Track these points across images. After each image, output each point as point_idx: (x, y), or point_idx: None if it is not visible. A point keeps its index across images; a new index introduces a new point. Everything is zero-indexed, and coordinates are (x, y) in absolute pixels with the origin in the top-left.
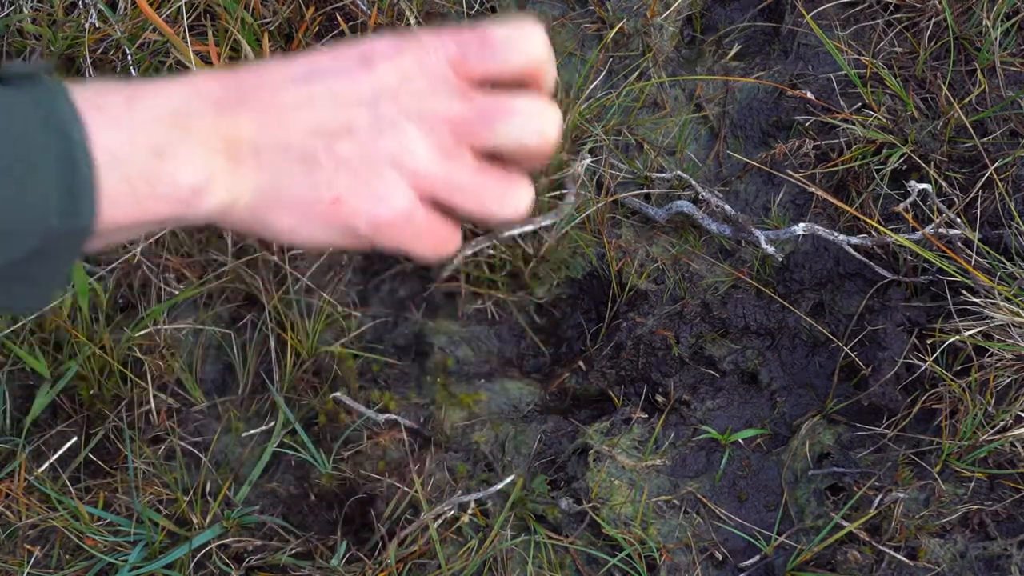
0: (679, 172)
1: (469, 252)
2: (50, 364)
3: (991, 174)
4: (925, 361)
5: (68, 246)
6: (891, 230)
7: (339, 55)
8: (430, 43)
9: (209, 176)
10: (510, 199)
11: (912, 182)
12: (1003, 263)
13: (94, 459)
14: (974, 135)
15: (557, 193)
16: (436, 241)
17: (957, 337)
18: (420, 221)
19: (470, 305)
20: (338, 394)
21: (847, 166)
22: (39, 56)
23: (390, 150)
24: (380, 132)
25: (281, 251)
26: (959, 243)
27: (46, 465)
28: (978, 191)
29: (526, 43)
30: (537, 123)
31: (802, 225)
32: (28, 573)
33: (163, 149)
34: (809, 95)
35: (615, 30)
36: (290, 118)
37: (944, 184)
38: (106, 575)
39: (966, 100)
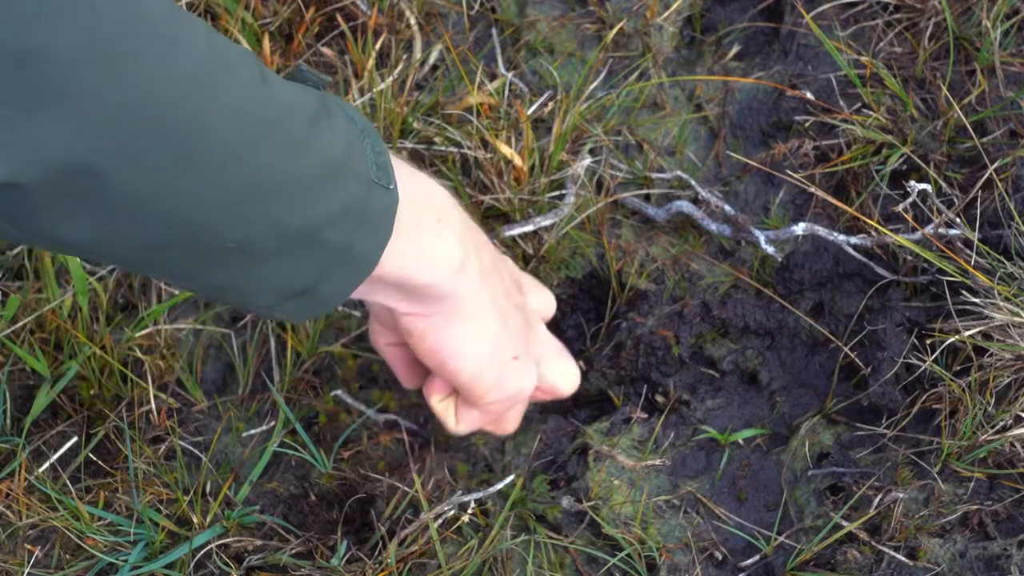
0: (679, 172)
1: None
2: (50, 364)
3: (991, 174)
4: (925, 361)
5: (383, 208)
6: (891, 230)
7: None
8: (524, 279)
9: (466, 260)
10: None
11: (912, 182)
12: (1003, 263)
13: (94, 459)
14: (974, 135)
15: (557, 193)
16: (512, 423)
17: (957, 337)
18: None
19: None
20: (339, 392)
21: (847, 166)
22: None
23: (535, 344)
24: (531, 327)
25: None
26: (959, 243)
27: (46, 465)
28: (978, 191)
29: (553, 309)
30: (574, 377)
31: (802, 225)
32: (28, 573)
33: (442, 216)
34: (809, 95)
35: (615, 30)
36: (498, 272)
37: (944, 184)
38: (106, 575)
39: (966, 100)
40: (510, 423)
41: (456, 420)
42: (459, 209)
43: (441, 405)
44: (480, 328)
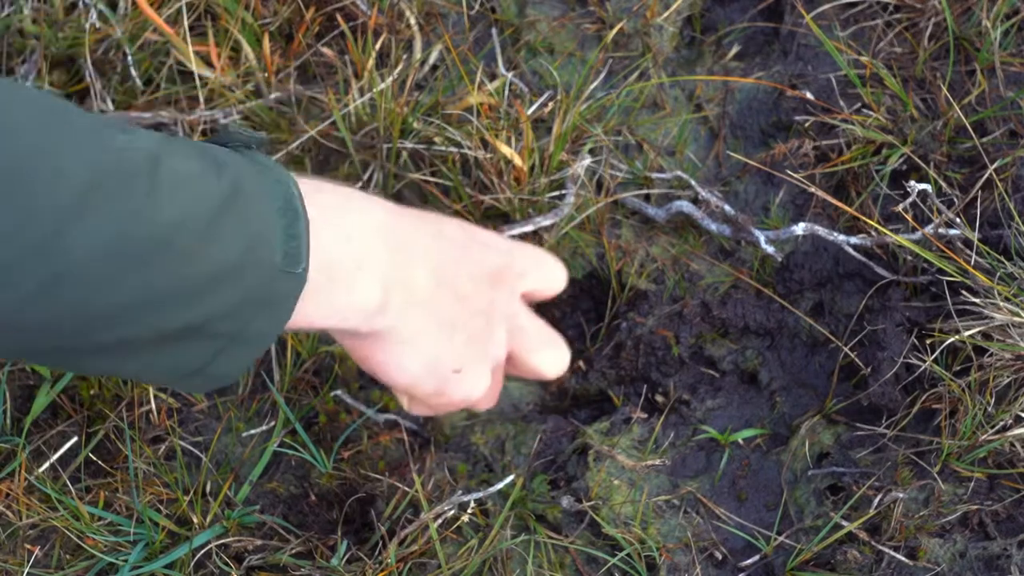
0: (679, 172)
1: None
2: None
3: (991, 174)
4: (925, 361)
5: (287, 292)
6: (891, 230)
7: (460, 228)
8: (519, 259)
9: (389, 299)
10: (491, 405)
11: (912, 182)
12: (1003, 263)
13: (94, 459)
14: (974, 135)
15: (557, 193)
16: (483, 405)
17: (957, 337)
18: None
19: None
20: (339, 392)
21: (847, 166)
22: (39, 57)
23: (496, 343)
24: (492, 323)
25: None
26: (959, 243)
27: (46, 465)
28: (978, 191)
29: (559, 283)
30: (560, 362)
31: (802, 225)
32: (28, 573)
33: (363, 263)
34: (809, 95)
35: (615, 30)
36: (451, 282)
37: (944, 184)
38: (106, 575)
39: (966, 100)
40: (479, 407)
41: (408, 405)
42: (394, 233)
43: (396, 392)
44: (411, 349)
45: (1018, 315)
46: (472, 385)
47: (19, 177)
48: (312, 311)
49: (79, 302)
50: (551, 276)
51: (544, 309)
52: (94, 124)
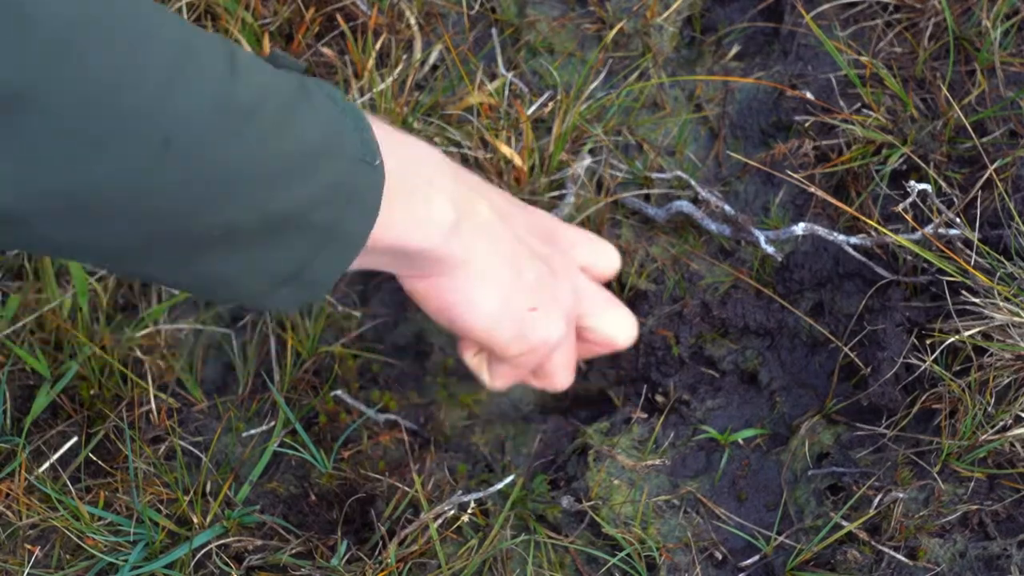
0: (679, 172)
1: None
2: (50, 364)
3: (991, 174)
4: (925, 361)
5: (369, 186)
6: (891, 230)
7: (511, 198)
8: (569, 232)
9: (461, 222)
10: (571, 378)
11: (912, 182)
12: (1003, 263)
13: (94, 459)
14: (974, 135)
15: (557, 193)
16: (561, 376)
17: (957, 337)
18: (558, 354)
19: None
20: (339, 392)
21: (847, 166)
22: None
23: (565, 293)
24: (558, 271)
25: None
26: (959, 243)
27: (46, 465)
28: (978, 191)
29: (614, 264)
30: (629, 327)
31: (802, 225)
32: (28, 573)
33: (434, 181)
34: (809, 95)
35: (615, 30)
36: (510, 222)
37: (944, 184)
38: (106, 575)
39: (966, 100)
40: (557, 377)
41: (490, 376)
42: (454, 168)
43: (474, 361)
44: (486, 283)
45: (1018, 315)
46: (550, 326)
47: (121, 33)
48: (398, 218)
49: (189, 168)
50: (602, 252)
51: None
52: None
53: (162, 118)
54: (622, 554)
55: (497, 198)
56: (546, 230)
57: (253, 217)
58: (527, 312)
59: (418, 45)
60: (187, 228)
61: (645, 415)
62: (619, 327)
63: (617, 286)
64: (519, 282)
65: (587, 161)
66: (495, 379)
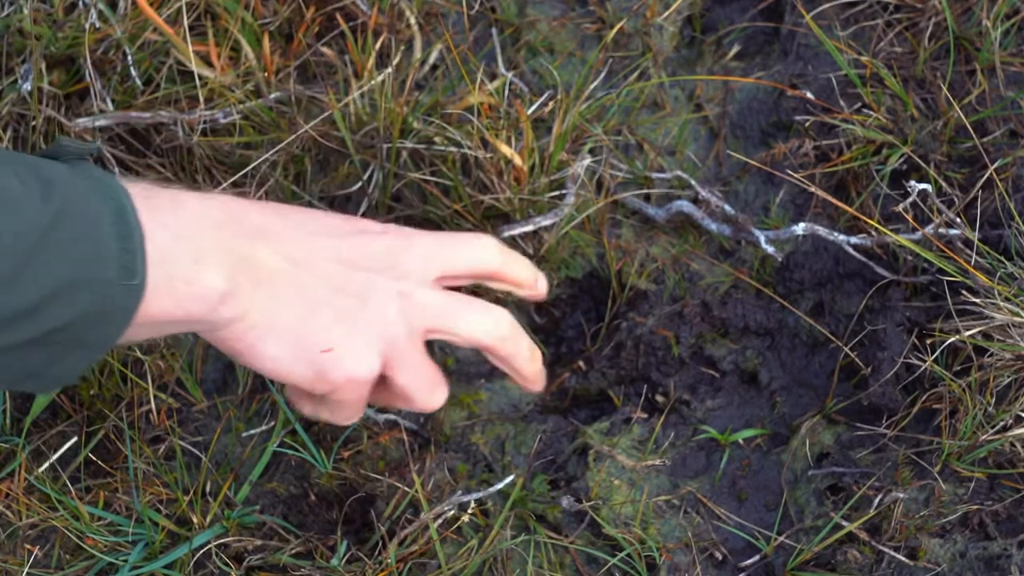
0: (679, 172)
1: None
2: None
3: (991, 174)
4: (925, 361)
5: (123, 305)
6: (891, 230)
7: (345, 220)
8: (419, 243)
9: (235, 287)
10: (437, 397)
11: (912, 182)
12: (1003, 263)
13: (94, 459)
14: (974, 135)
15: (557, 193)
16: (418, 399)
17: (957, 337)
18: (370, 388)
19: None
20: None
21: (847, 166)
22: (39, 56)
23: (378, 319)
24: (370, 302)
25: None
26: (959, 243)
27: (46, 465)
28: (978, 191)
29: (484, 257)
30: (489, 323)
31: (802, 225)
32: (28, 573)
33: (201, 256)
34: (809, 95)
35: (615, 30)
36: (306, 261)
37: (944, 184)
38: (106, 575)
39: (966, 100)
40: (417, 398)
41: (330, 415)
42: (239, 219)
43: (308, 408)
44: (270, 332)
45: (1018, 315)
46: (352, 363)
47: None
48: (155, 310)
49: None
50: (468, 251)
51: (545, 309)
52: None
53: None
54: (622, 554)
55: (298, 239)
56: (376, 255)
57: None
58: (320, 354)
59: (418, 45)
60: None
61: (645, 415)
62: (477, 327)
63: (617, 286)
64: (311, 323)
65: (587, 161)
66: (336, 417)
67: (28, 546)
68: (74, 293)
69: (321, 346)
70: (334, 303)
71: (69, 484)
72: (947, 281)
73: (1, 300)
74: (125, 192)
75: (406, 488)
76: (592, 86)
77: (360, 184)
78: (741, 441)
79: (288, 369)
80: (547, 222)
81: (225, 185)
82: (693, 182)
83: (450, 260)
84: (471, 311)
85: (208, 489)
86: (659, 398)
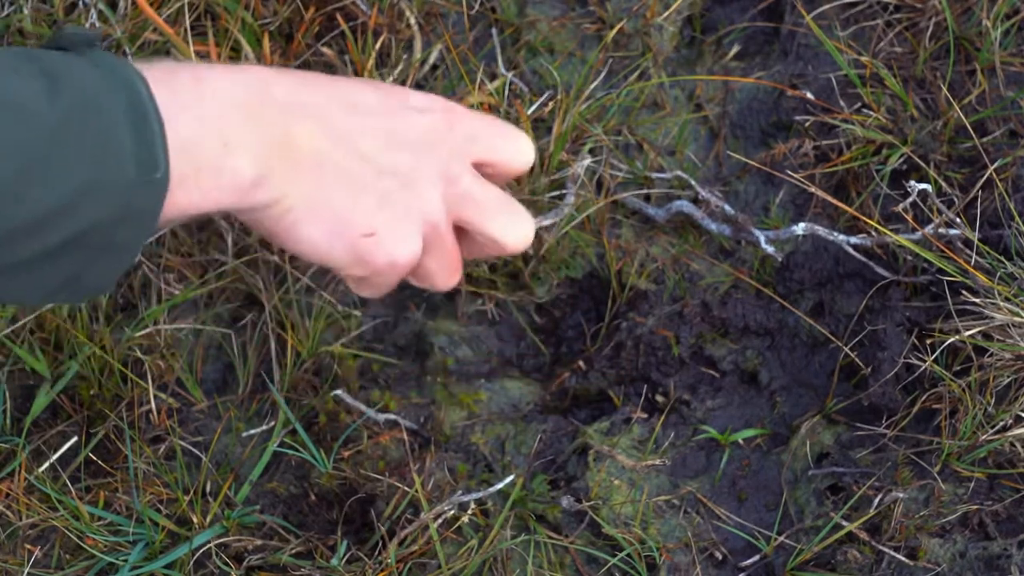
0: (679, 172)
1: None
2: (50, 364)
3: (991, 174)
4: (925, 361)
5: (147, 203)
6: (891, 230)
7: (386, 93)
8: (464, 123)
9: (268, 171)
10: (455, 279)
11: (912, 182)
12: (1003, 263)
13: (94, 459)
14: (974, 135)
15: (557, 193)
16: (438, 280)
17: (957, 337)
18: (431, 260)
19: (470, 305)
20: (339, 392)
21: (847, 166)
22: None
23: (421, 203)
24: (414, 184)
25: (281, 251)
26: (959, 243)
27: (46, 465)
28: (978, 191)
29: (522, 158)
30: (520, 232)
31: (802, 225)
32: (28, 573)
33: (229, 140)
34: (809, 95)
35: (615, 30)
36: (347, 139)
37: (944, 184)
38: (106, 575)
39: (966, 100)
40: (435, 280)
41: (354, 287)
42: (265, 103)
43: (334, 272)
44: (308, 216)
45: (1018, 315)
46: (394, 248)
47: None
48: (183, 200)
49: None
50: (510, 144)
51: (545, 309)
52: None
53: None
54: (622, 554)
55: (338, 115)
56: (422, 133)
57: (14, 259)
58: (361, 238)
59: (418, 45)
60: None
61: (645, 415)
62: (507, 231)
63: (617, 286)
64: (351, 206)
65: (587, 161)
66: (360, 291)
67: (28, 546)
68: (93, 195)
69: (363, 230)
70: (377, 185)
71: (69, 484)
72: (947, 281)
73: (12, 210)
74: (140, 77)
75: (406, 488)
76: (592, 86)
77: None
78: (741, 441)
79: (327, 253)
80: (547, 222)
81: None
82: (693, 182)
83: (492, 149)
84: (508, 214)
85: (208, 489)
86: (659, 398)
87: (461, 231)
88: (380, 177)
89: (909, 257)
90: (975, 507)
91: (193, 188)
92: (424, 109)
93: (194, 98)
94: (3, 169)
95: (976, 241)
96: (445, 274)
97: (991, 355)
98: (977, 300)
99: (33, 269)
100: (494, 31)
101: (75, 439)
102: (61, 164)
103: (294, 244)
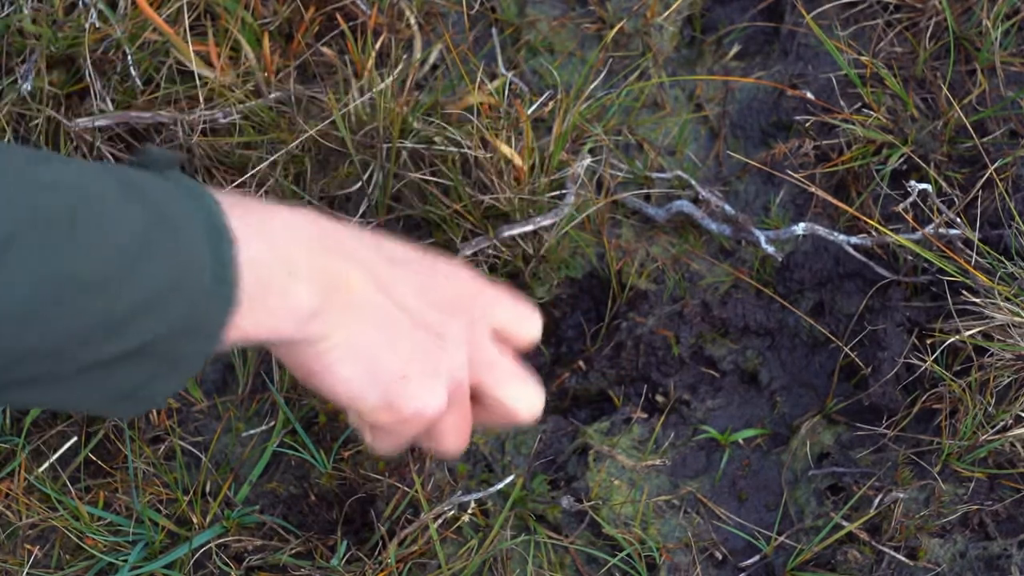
0: (679, 172)
1: (469, 252)
2: None
3: (991, 174)
4: (925, 361)
5: (218, 315)
6: (891, 230)
7: (417, 253)
8: (486, 294)
9: (324, 306)
10: (464, 445)
11: (912, 182)
12: (1003, 263)
13: (94, 459)
14: (974, 135)
15: (557, 193)
16: (449, 442)
17: (957, 337)
18: (447, 423)
19: None
20: None
21: (847, 166)
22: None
23: (450, 361)
24: (446, 338)
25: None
26: (959, 243)
27: (46, 465)
28: (978, 191)
29: (530, 334)
30: (531, 401)
31: (802, 225)
32: (28, 573)
33: (295, 269)
34: (809, 95)
35: (615, 30)
36: (390, 289)
37: (944, 184)
38: (106, 575)
39: (966, 100)
40: (445, 442)
41: (371, 439)
42: (328, 239)
43: (353, 421)
44: (349, 353)
45: (1018, 315)
46: (424, 397)
47: None
48: (247, 323)
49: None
50: (523, 317)
51: (545, 309)
52: (17, 165)
53: None
54: (622, 554)
55: (383, 267)
56: (451, 298)
57: (73, 367)
58: (397, 380)
59: (418, 45)
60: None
61: (645, 415)
62: (521, 402)
63: (617, 286)
64: (390, 351)
65: (587, 161)
66: (376, 443)
67: (28, 546)
68: (170, 301)
69: (398, 374)
70: (413, 335)
71: (69, 484)
72: (947, 281)
73: (111, 304)
74: (215, 200)
75: (406, 488)
76: (592, 86)
77: (360, 184)
78: (741, 441)
79: (359, 394)
80: (547, 222)
81: (228, 188)
82: (693, 182)
83: (507, 322)
84: (523, 385)
85: (208, 489)
86: (659, 398)
87: (472, 398)
88: (415, 328)
89: (909, 257)
90: (975, 507)
91: (259, 309)
92: (451, 275)
93: (264, 226)
94: (100, 264)
95: (976, 241)
96: (457, 436)
97: (991, 355)
98: (977, 300)
99: (108, 370)
100: (494, 31)
101: (75, 439)
102: (146, 267)
103: (331, 382)
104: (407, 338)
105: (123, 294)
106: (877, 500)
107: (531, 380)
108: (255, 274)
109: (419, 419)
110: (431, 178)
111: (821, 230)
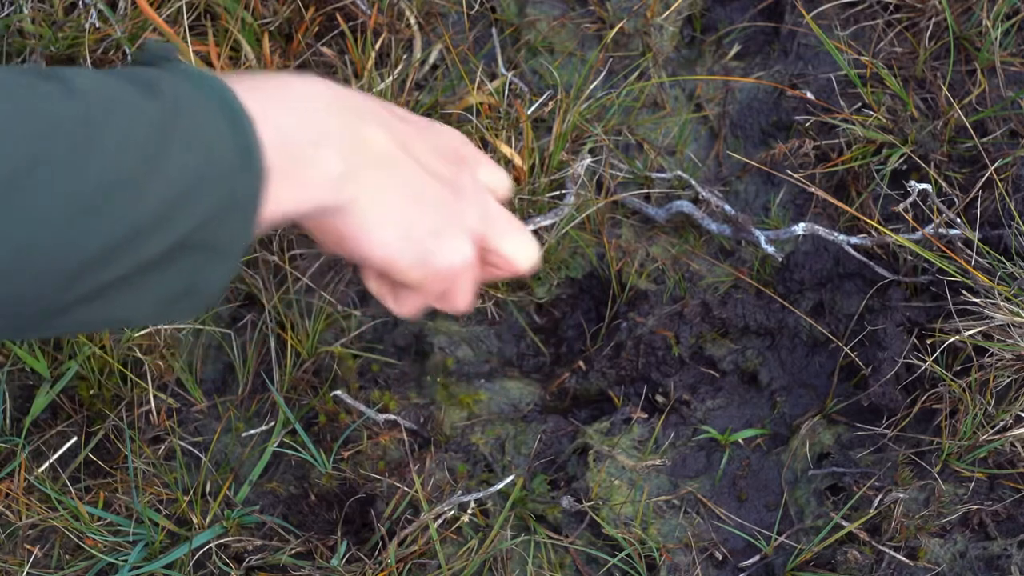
0: (679, 172)
1: None
2: (50, 364)
3: (991, 174)
4: (925, 361)
5: (250, 192)
6: (891, 230)
7: (416, 115)
8: (474, 149)
9: (351, 167)
10: (472, 300)
11: (912, 182)
12: (1003, 263)
13: (94, 459)
14: (974, 135)
15: (557, 193)
16: (465, 299)
17: (957, 337)
18: (465, 278)
19: None
20: (339, 392)
21: (847, 166)
22: (39, 56)
23: (468, 213)
24: (462, 191)
25: (281, 251)
26: (959, 243)
27: (46, 465)
28: (978, 191)
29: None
30: (530, 252)
31: (802, 225)
32: (28, 573)
33: (318, 135)
34: (809, 95)
35: (615, 30)
36: (407, 145)
37: (944, 184)
38: (106, 575)
39: (966, 100)
40: (460, 300)
41: (395, 303)
42: (343, 101)
43: (378, 288)
44: (381, 213)
45: (1018, 315)
46: (458, 250)
47: None
48: (283, 195)
49: (46, 271)
50: (499, 173)
51: (545, 309)
52: (28, 81)
53: (11, 234)
54: (622, 554)
55: (396, 123)
56: (451, 150)
57: (126, 270)
58: (428, 236)
59: (418, 45)
60: (52, 305)
61: (645, 415)
62: (522, 250)
63: (617, 286)
64: (419, 208)
65: (587, 161)
66: (401, 306)
67: (28, 546)
68: (200, 188)
69: (429, 229)
70: (438, 191)
71: (69, 484)
72: (947, 281)
73: (138, 207)
74: (224, 83)
75: (406, 488)
76: (592, 86)
77: None
78: (741, 441)
79: (397, 254)
80: (547, 222)
81: None
82: (693, 182)
83: (493, 177)
84: (522, 233)
85: (208, 489)
86: (659, 398)
87: None
88: (436, 182)
89: (909, 257)
90: (975, 507)
91: (289, 180)
92: (445, 131)
93: (280, 99)
94: (126, 164)
95: (976, 241)
96: (469, 292)
97: (991, 355)
98: (977, 300)
99: (159, 270)
100: (494, 31)
101: (75, 439)
102: (172, 157)
103: (367, 245)
104: (429, 192)
105: (153, 189)
106: (877, 500)
107: (526, 230)
108: (279, 147)
109: (450, 274)
110: None
111: (821, 230)
